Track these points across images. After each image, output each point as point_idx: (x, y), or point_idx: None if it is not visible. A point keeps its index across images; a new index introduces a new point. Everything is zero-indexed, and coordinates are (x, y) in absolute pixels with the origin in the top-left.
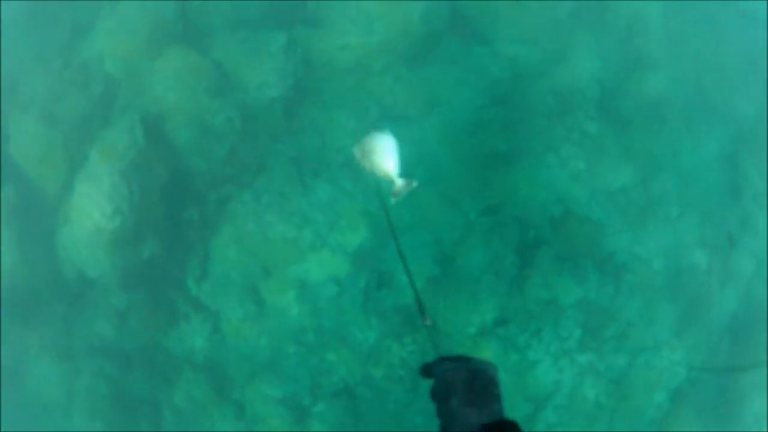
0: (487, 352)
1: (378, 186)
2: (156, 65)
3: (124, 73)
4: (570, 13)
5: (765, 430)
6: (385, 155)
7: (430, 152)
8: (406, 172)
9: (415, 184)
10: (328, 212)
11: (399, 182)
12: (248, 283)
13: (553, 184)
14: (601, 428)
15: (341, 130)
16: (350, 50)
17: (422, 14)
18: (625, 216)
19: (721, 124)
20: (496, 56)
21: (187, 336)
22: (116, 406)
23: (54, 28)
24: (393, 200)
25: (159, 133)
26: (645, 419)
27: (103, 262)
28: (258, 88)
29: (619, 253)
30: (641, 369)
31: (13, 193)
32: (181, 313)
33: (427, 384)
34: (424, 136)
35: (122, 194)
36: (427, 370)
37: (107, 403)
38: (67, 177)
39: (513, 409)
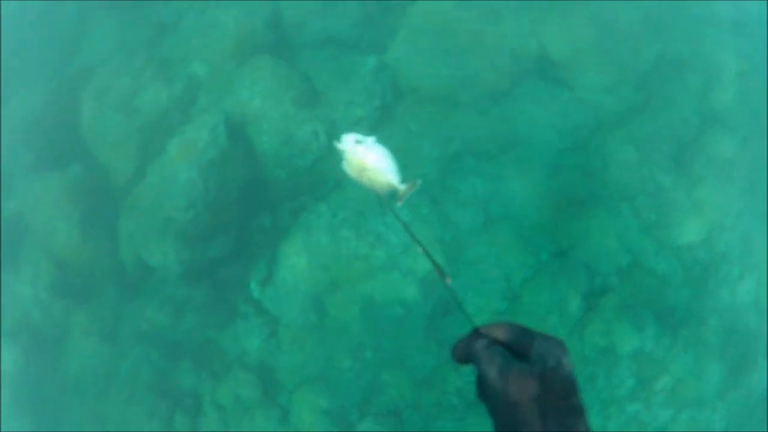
0: None
1: (384, 201)
2: (243, 70)
3: (209, 73)
4: (652, 66)
5: (765, 430)
6: (380, 165)
7: (507, 189)
8: (404, 174)
9: (419, 183)
10: (402, 235)
11: (402, 187)
12: (314, 293)
13: (624, 233)
14: None
15: (423, 157)
16: (439, 80)
17: (511, 53)
18: (689, 272)
19: None
20: (579, 102)
21: (243, 336)
22: (156, 394)
23: (138, 23)
24: (399, 204)
25: (241, 136)
26: None
27: (169, 253)
28: (345, 105)
29: (679, 308)
30: (683, 425)
31: (81, 173)
32: (240, 313)
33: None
34: (503, 173)
35: (198, 190)
36: (463, 352)
37: (147, 389)
38: (138, 166)
39: None
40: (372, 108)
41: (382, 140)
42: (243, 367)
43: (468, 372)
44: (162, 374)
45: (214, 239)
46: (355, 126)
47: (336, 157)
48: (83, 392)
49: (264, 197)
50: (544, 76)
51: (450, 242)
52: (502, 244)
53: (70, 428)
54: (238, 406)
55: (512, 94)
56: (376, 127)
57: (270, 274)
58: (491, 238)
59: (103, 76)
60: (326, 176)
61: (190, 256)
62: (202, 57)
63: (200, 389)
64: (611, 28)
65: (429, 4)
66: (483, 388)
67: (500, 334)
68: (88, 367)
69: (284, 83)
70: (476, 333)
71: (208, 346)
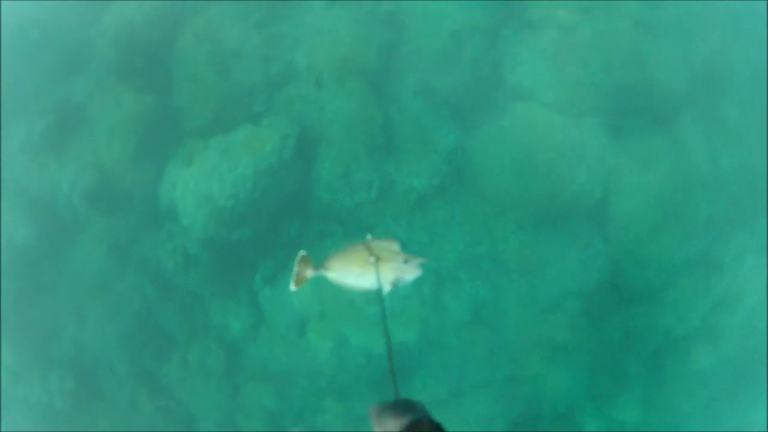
0: None
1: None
2: (337, 87)
3: (307, 69)
4: (683, 264)
5: (765, 430)
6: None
7: (503, 305)
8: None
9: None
10: (397, 303)
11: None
12: (302, 315)
13: (572, 391)
14: None
15: (448, 244)
16: (499, 185)
17: (572, 194)
18: None
19: (735, 415)
20: (607, 259)
21: (230, 315)
22: (136, 323)
23: None
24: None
25: (307, 151)
26: None
27: (198, 220)
28: (409, 172)
29: None
30: None
31: (154, 102)
32: (237, 295)
33: None
34: (507, 289)
35: (246, 188)
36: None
37: (130, 315)
38: (207, 126)
39: None
40: (429, 184)
41: (424, 212)
42: (218, 340)
43: None
44: (148, 308)
45: (242, 228)
46: (407, 194)
47: (378, 208)
48: (74, 290)
49: (301, 208)
50: (592, 219)
51: (431, 324)
52: (472, 347)
53: (51, 318)
54: (201, 370)
55: (556, 224)
56: (422, 201)
57: (275, 276)
58: (466, 336)
59: (214, 17)
60: (360, 221)
61: (215, 232)
62: (310, 51)
63: (175, 341)
64: (673, 210)
65: (530, 108)
66: None
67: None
68: (88, 270)
69: (366, 122)
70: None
71: (198, 306)
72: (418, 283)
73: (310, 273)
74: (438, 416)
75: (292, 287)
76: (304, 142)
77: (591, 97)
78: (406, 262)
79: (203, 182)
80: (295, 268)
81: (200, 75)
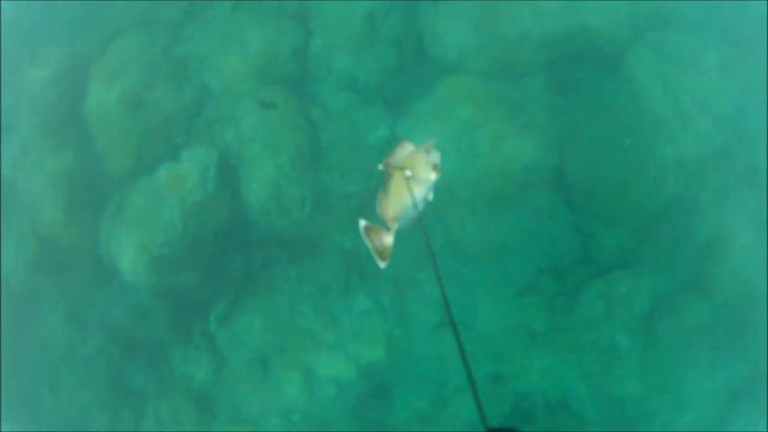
0: None
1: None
2: (253, 101)
3: (221, 89)
4: (659, 215)
5: (765, 430)
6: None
7: (473, 298)
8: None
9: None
10: (356, 322)
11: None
12: (262, 352)
13: (563, 377)
14: None
15: (399, 247)
16: (443, 170)
17: (524, 166)
18: (612, 424)
19: (741, 361)
20: (575, 229)
21: (192, 362)
22: (107, 385)
23: (168, 2)
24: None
25: (231, 178)
26: None
27: (140, 271)
28: (341, 177)
29: None
30: None
31: (76, 157)
32: (194, 340)
33: None
34: (475, 281)
35: (176, 231)
36: None
37: (100, 378)
38: (131, 169)
39: None
40: (366, 187)
41: (366, 216)
42: (186, 392)
43: None
44: (116, 368)
45: (186, 271)
46: (344, 200)
47: (318, 222)
48: (43, 359)
49: (239, 238)
50: (552, 188)
51: (398, 336)
52: (447, 350)
53: (22, 395)
54: (175, 424)
55: (513, 201)
56: (361, 207)
57: (229, 315)
58: (439, 341)
59: (115, 55)
60: (302, 239)
61: (159, 281)
62: (219, 69)
63: (146, 395)
64: (638, 161)
65: (461, 81)
66: None
67: None
68: (51, 339)
69: (289, 133)
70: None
71: (161, 357)
72: (375, 297)
73: (387, 238)
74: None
75: (382, 265)
76: (225, 169)
77: (526, 54)
78: (427, 152)
79: (134, 232)
80: (370, 245)
81: (114, 118)
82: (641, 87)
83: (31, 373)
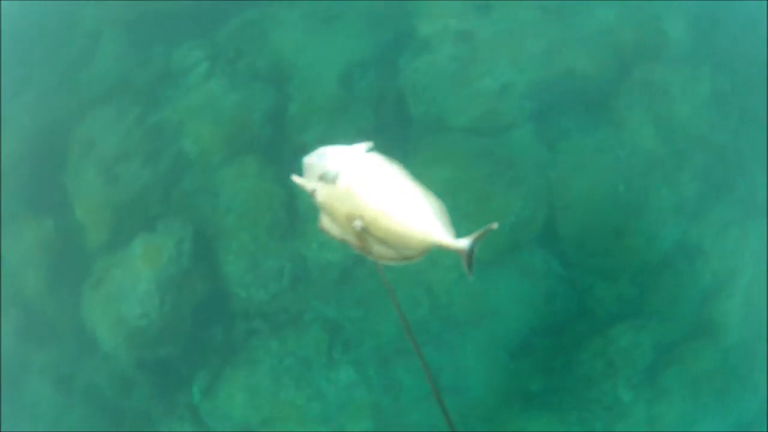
0: None
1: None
2: (228, 171)
3: (197, 156)
4: (660, 262)
5: (765, 430)
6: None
7: (463, 363)
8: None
9: (494, 226)
10: (342, 394)
11: (465, 245)
12: (247, 423)
13: None
14: None
15: (384, 315)
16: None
17: (512, 225)
18: None
19: (752, 396)
20: (570, 284)
21: None
22: None
23: (145, 65)
24: (469, 276)
25: (207, 252)
26: None
27: (119, 344)
28: (319, 246)
29: None
30: None
31: (56, 225)
32: (178, 412)
33: None
34: (464, 344)
35: (154, 304)
36: None
37: None
38: (110, 239)
39: None
40: (347, 255)
41: (349, 287)
42: None
43: None
44: None
45: (166, 344)
46: (324, 270)
47: (298, 293)
48: (33, 429)
49: (220, 311)
50: (545, 246)
51: (386, 406)
52: (439, 418)
53: None
54: None
55: (502, 261)
56: (344, 274)
57: (211, 387)
58: (430, 408)
59: (92, 123)
60: (284, 309)
61: (140, 354)
62: (195, 137)
63: None
64: (634, 207)
65: (443, 140)
66: None
67: None
68: (41, 407)
69: (264, 202)
70: None
71: (148, 428)
72: (360, 367)
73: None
74: None
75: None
76: (201, 242)
77: (509, 106)
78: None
79: (113, 304)
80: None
81: (92, 188)
82: (632, 127)
83: None
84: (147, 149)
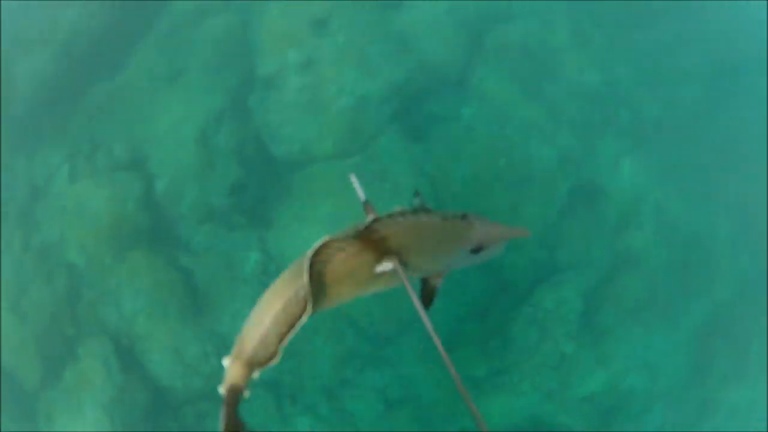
0: None
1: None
2: (121, 272)
3: (87, 264)
4: (561, 216)
5: (765, 430)
6: None
7: (405, 373)
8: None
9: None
10: None
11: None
12: None
13: (526, 407)
14: None
15: (316, 356)
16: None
17: None
18: (589, 421)
19: (698, 304)
20: (481, 267)
21: None
22: None
23: (13, 184)
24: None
25: (132, 361)
26: None
27: None
28: (232, 317)
29: None
30: None
31: None
32: None
33: None
34: (401, 356)
35: (106, 426)
36: None
37: None
38: (44, 377)
39: None
40: None
41: None
42: None
43: None
44: None
45: None
46: None
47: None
48: None
49: (164, 406)
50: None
51: None
52: (404, 429)
53: None
54: None
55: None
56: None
57: None
58: (392, 424)
59: None
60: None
61: None
62: (78, 245)
63: None
64: (520, 175)
65: (313, 173)
66: None
67: None
68: None
69: (165, 291)
70: None
71: None
72: (312, 410)
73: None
74: None
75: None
76: (123, 354)
77: (370, 116)
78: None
79: None
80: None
81: (10, 329)
82: (497, 96)
83: None
84: (40, 274)
